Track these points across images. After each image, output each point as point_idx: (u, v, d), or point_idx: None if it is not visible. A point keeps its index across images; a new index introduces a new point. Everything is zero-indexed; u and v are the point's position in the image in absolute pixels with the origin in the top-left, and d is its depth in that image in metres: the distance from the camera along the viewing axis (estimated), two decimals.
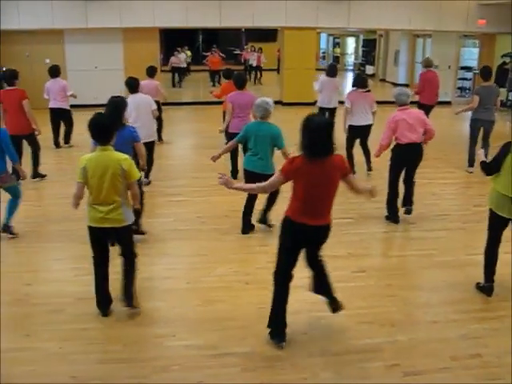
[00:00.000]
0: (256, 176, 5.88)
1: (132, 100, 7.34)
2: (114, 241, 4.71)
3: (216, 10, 15.32)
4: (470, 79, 18.50)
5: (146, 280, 5.04)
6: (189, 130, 14.10)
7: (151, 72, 10.77)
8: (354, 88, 8.97)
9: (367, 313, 4.68)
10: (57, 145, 10.70)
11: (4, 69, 11.84)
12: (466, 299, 4.94)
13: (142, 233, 6.23)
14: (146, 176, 8.21)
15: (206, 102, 17.06)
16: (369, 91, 8.93)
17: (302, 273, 5.45)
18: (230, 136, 8.34)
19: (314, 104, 16.13)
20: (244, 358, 4.06)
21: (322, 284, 4.45)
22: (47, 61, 14.72)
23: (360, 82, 8.96)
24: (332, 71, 10.78)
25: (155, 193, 8.06)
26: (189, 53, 25.17)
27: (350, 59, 32.25)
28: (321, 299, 4.48)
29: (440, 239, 6.40)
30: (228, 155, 8.85)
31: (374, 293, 5.01)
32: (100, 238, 4.56)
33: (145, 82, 10.16)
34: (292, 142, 9.77)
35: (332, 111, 10.64)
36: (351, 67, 31.09)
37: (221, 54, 22.92)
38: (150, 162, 8.01)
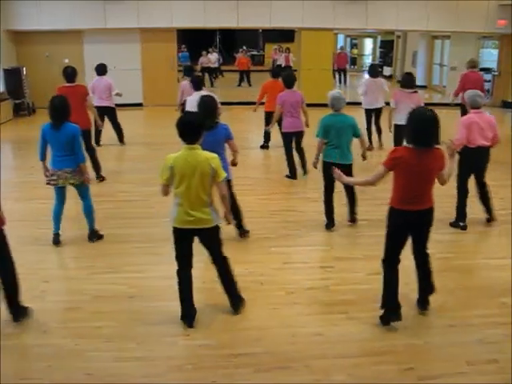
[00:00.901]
0: (337, 167, 6.14)
1: (195, 98, 7.46)
2: (202, 244, 4.54)
3: (233, 11, 15.36)
4: (490, 81, 18.29)
5: (161, 279, 5.06)
6: None
7: (189, 72, 10.97)
8: (400, 88, 8.98)
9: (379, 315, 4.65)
10: (97, 143, 10.80)
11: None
12: (482, 304, 4.89)
13: (246, 231, 6.30)
14: None
15: (228, 102, 17.16)
16: (415, 92, 8.89)
17: (315, 274, 5.46)
18: (285, 136, 8.73)
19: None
20: (258, 358, 4.06)
21: (420, 279, 4.67)
22: (66, 61, 14.86)
23: (406, 82, 8.91)
24: (374, 71, 10.79)
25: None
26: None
27: (368, 60, 32.10)
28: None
29: (457, 242, 6.35)
30: (249, 152, 8.86)
31: None
32: (185, 240, 4.44)
33: (185, 83, 10.44)
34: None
35: (378, 111, 10.63)
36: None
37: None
38: None
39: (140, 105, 16.14)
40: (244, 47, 24.40)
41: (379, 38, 29.41)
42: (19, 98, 14.76)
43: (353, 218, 6.75)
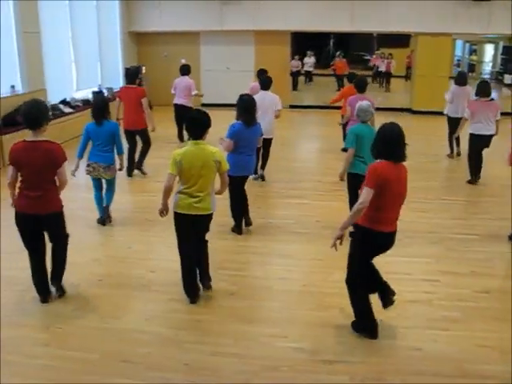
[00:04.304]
0: (359, 178, 6.04)
1: (259, 96, 7.80)
2: (196, 227, 4.92)
3: (348, 14, 15.18)
4: None
5: (262, 279, 5.13)
6: (311, 133, 14.22)
7: (261, 74, 11.07)
8: (477, 97, 8.64)
9: (487, 337, 4.40)
10: (181, 139, 11.22)
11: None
12: None
13: (250, 223, 6.67)
14: (262, 168, 8.74)
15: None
16: (492, 100, 8.56)
17: (418, 287, 5.28)
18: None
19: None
20: (353, 367, 4.00)
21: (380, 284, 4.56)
22: (183, 61, 15.49)
23: (482, 90, 8.55)
24: (462, 80, 10.34)
25: (277, 194, 8.21)
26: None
27: (488, 67, 30.51)
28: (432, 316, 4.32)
29: None
30: None
31: (496, 316, 4.69)
32: (186, 224, 4.80)
33: (254, 84, 10.58)
34: (419, 151, 9.46)
35: (459, 121, 10.23)
36: (488, 76, 29.40)
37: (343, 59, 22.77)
38: (265, 157, 8.75)
39: None
40: (339, 52, 23.93)
41: (501, 44, 27.86)
42: None
43: None
